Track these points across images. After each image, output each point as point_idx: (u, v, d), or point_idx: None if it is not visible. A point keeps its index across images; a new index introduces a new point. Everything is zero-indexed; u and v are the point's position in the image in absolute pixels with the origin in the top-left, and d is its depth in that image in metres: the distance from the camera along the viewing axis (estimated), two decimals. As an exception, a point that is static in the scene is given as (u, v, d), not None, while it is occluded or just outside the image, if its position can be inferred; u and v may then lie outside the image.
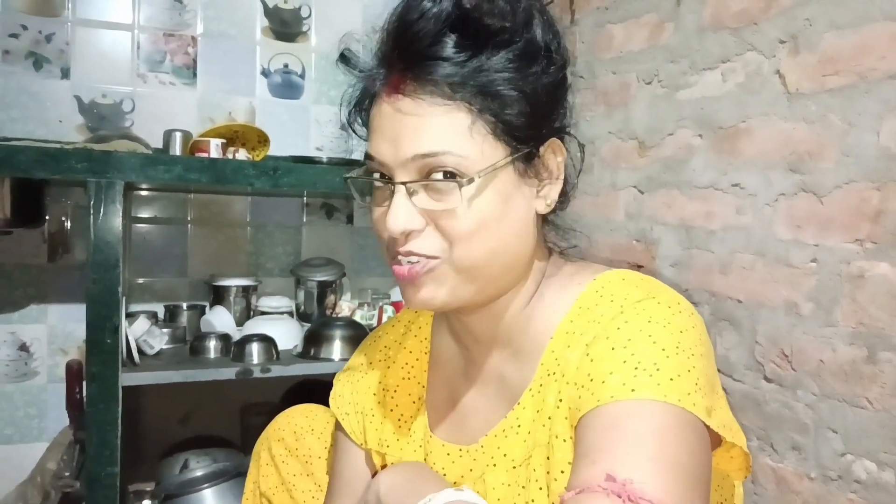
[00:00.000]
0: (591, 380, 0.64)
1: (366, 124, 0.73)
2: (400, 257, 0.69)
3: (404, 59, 0.67)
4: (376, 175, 0.71)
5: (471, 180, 0.65)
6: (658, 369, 0.61)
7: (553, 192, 0.72)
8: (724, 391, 0.69)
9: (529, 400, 0.73)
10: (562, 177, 0.73)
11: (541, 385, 0.72)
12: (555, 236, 0.79)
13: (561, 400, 0.68)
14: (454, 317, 0.80)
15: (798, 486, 1.23)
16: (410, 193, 0.67)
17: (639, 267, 1.63)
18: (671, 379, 0.60)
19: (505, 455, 0.73)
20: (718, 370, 1.38)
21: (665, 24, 1.58)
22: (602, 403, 0.61)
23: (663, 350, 0.63)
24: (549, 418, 0.69)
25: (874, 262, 1.12)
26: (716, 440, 0.64)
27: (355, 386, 0.90)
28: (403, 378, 0.86)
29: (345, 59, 0.73)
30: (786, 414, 1.25)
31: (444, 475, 0.78)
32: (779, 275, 1.28)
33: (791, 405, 1.24)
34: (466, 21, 0.66)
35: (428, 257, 0.68)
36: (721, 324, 1.39)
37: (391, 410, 0.85)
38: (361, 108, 0.73)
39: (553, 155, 0.72)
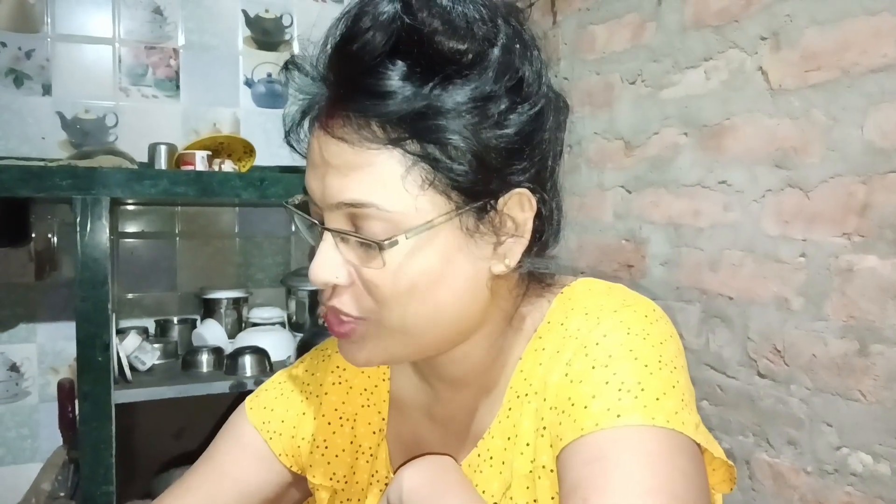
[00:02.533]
0: (573, 405, 0.59)
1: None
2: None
3: (338, 86, 0.58)
4: (308, 211, 0.62)
5: (394, 243, 0.56)
6: (643, 389, 0.57)
7: (516, 249, 0.61)
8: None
9: (497, 428, 0.67)
10: (528, 233, 0.61)
11: (509, 409, 0.66)
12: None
13: (545, 427, 0.62)
14: None
15: (795, 480, 1.23)
16: (339, 241, 0.59)
17: (629, 267, 1.63)
18: (657, 399, 0.57)
19: (484, 491, 0.66)
20: (712, 368, 1.39)
21: (647, 23, 1.58)
22: (586, 432, 0.56)
23: (646, 366, 0.59)
24: (528, 445, 0.64)
25: (862, 256, 1.12)
26: None
27: (297, 405, 0.79)
28: (362, 406, 0.77)
29: (288, 68, 0.62)
30: (780, 409, 1.26)
31: None
32: (768, 270, 1.28)
33: (785, 400, 1.25)
34: (413, 42, 0.55)
35: (354, 318, 0.60)
36: (713, 321, 1.40)
37: (350, 442, 0.76)
38: (300, 126, 0.64)
39: (518, 208, 0.60)
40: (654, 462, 0.54)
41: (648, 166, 1.58)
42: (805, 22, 1.21)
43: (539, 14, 1.92)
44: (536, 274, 0.69)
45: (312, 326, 2.07)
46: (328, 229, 0.59)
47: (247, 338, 1.92)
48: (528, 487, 0.63)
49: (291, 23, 2.25)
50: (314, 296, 2.12)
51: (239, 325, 2.06)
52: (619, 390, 0.57)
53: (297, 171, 1.91)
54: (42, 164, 1.62)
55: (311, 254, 0.62)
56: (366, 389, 0.77)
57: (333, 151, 0.57)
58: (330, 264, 0.59)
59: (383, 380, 0.77)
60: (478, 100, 0.56)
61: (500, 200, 0.59)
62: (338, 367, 0.79)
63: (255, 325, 2.04)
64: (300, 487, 0.80)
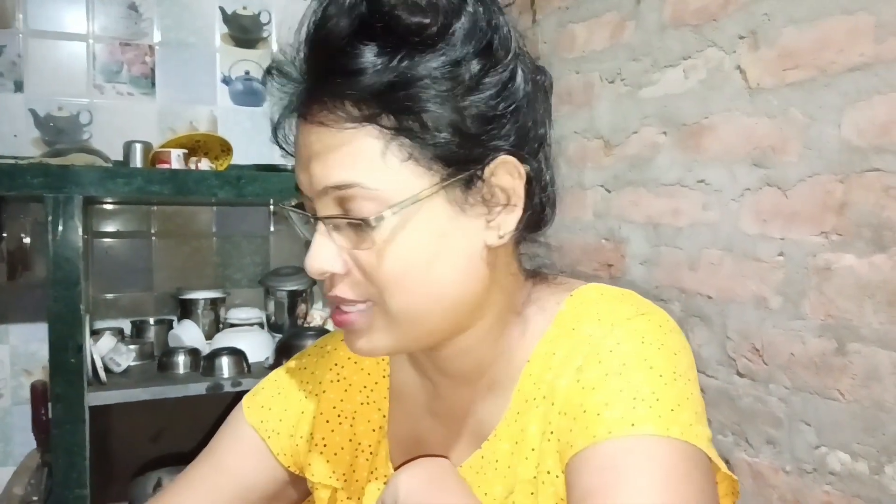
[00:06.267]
0: (585, 412, 0.58)
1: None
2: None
3: (312, 74, 0.58)
4: (300, 206, 0.63)
5: (380, 219, 0.55)
6: (657, 399, 0.56)
7: (509, 220, 0.60)
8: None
9: (505, 430, 0.65)
10: (521, 202, 0.60)
11: (517, 413, 0.65)
12: (528, 255, 0.70)
13: (552, 432, 0.61)
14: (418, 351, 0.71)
15: (774, 479, 1.23)
16: (331, 229, 0.59)
17: (609, 266, 1.63)
18: (672, 410, 0.56)
19: (486, 494, 0.65)
20: (691, 366, 1.39)
21: (626, 22, 1.58)
22: (599, 440, 0.55)
23: (661, 377, 0.58)
24: (533, 450, 0.63)
25: (840, 254, 1.13)
26: None
27: (295, 404, 0.78)
28: (362, 403, 0.76)
29: (270, 73, 0.62)
30: (759, 408, 1.26)
31: None
32: (747, 269, 1.28)
33: (764, 399, 1.25)
34: (379, 20, 0.55)
35: (357, 303, 0.60)
36: (692, 320, 1.40)
37: (349, 440, 0.75)
38: (285, 122, 0.64)
39: (507, 176, 0.59)
40: (668, 475, 0.53)
41: (628, 165, 1.57)
42: (783, 21, 1.21)
43: (518, 12, 1.92)
44: (541, 273, 0.70)
45: (291, 327, 2.06)
46: (318, 218, 0.59)
47: (224, 339, 1.90)
48: (532, 493, 0.62)
49: (269, 20, 2.23)
50: (293, 296, 2.10)
51: (216, 326, 2.03)
52: (634, 399, 0.57)
53: (275, 169, 1.89)
54: (13, 162, 1.58)
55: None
56: (365, 387, 0.77)
57: (313, 137, 0.57)
58: (325, 253, 0.59)
59: (383, 377, 0.76)
60: (447, 66, 0.56)
61: (487, 170, 0.58)
62: (336, 364, 0.78)
63: (232, 325, 2.02)
64: (298, 487, 0.80)
